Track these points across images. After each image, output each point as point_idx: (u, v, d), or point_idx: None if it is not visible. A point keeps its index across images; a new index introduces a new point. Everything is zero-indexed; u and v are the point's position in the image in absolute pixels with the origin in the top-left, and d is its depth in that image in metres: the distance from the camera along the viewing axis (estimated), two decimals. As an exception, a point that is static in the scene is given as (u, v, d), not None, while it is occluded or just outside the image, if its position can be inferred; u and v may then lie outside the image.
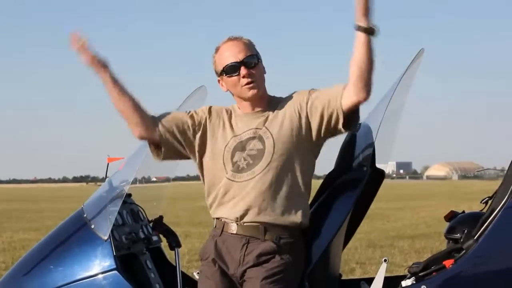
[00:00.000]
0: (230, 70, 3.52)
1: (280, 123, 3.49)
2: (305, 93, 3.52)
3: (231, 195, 3.50)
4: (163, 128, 3.60)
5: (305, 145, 3.49)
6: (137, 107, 3.60)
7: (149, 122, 3.60)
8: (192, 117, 3.63)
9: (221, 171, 3.53)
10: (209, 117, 3.63)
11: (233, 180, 3.49)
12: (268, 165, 3.44)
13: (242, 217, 3.46)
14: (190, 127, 3.61)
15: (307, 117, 3.48)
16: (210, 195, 3.59)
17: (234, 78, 3.52)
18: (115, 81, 3.58)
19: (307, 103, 3.48)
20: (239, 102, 3.61)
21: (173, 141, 3.61)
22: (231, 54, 3.53)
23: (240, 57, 3.51)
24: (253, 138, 3.50)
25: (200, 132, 3.61)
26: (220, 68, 3.56)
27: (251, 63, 3.52)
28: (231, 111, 3.64)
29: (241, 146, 3.50)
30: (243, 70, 3.50)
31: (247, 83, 3.51)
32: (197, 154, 3.61)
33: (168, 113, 3.66)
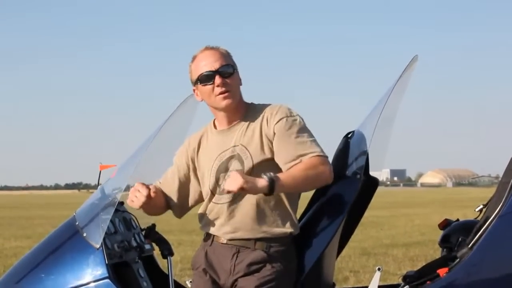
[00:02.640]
0: (205, 78, 3.53)
1: (257, 141, 3.49)
2: (274, 119, 3.50)
3: (215, 216, 3.55)
4: (183, 209, 3.81)
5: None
6: (161, 208, 3.78)
7: (166, 209, 3.82)
8: (182, 173, 3.75)
9: (207, 194, 3.59)
10: (190, 155, 3.72)
11: (215, 203, 3.55)
12: None
13: (231, 236, 3.49)
14: (187, 180, 3.75)
15: (271, 144, 3.51)
16: (199, 212, 3.66)
17: (209, 87, 3.53)
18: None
19: (273, 135, 3.48)
20: (214, 113, 3.63)
21: (194, 203, 3.79)
22: (207, 63, 3.53)
23: (215, 66, 3.52)
24: (232, 157, 3.52)
25: (193, 177, 3.73)
26: (195, 76, 3.58)
27: (226, 72, 3.52)
28: (207, 133, 3.69)
29: (223, 168, 3.54)
30: (217, 79, 3.50)
31: (221, 93, 3.51)
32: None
33: (171, 189, 3.77)
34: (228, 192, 3.32)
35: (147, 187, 3.54)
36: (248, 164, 3.46)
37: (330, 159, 3.99)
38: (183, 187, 3.73)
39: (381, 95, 4.02)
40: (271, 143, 3.48)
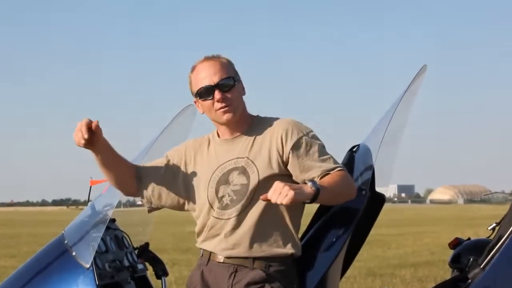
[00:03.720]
0: (204, 93, 3.52)
1: (264, 155, 3.49)
2: (291, 137, 3.48)
3: (216, 231, 3.52)
4: (152, 198, 3.71)
5: (288, 179, 3.47)
6: (122, 180, 3.69)
7: (136, 191, 3.73)
8: (170, 168, 3.69)
9: (205, 206, 3.56)
10: (185, 159, 3.68)
11: (217, 218, 3.51)
12: (253, 201, 3.45)
13: (228, 253, 3.48)
14: (172, 183, 3.67)
15: (285, 163, 3.49)
16: (197, 228, 3.62)
17: (208, 102, 3.52)
18: (104, 157, 3.58)
19: (289, 153, 3.47)
20: (216, 125, 3.64)
21: (164, 203, 3.72)
22: (206, 76, 3.52)
23: (214, 80, 3.50)
24: (235, 169, 3.51)
25: (180, 179, 3.66)
26: (195, 89, 3.57)
27: (226, 85, 3.51)
28: (209, 140, 3.67)
29: (224, 180, 3.52)
30: (217, 94, 3.49)
31: (221, 108, 3.51)
32: (186, 199, 3.67)
33: (151, 174, 3.70)
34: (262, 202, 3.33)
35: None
36: (254, 179, 3.45)
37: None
38: (165, 181, 3.67)
39: (388, 106, 4.03)
40: (281, 158, 3.47)
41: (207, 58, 3.59)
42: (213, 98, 3.50)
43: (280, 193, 3.15)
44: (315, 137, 3.52)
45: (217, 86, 3.49)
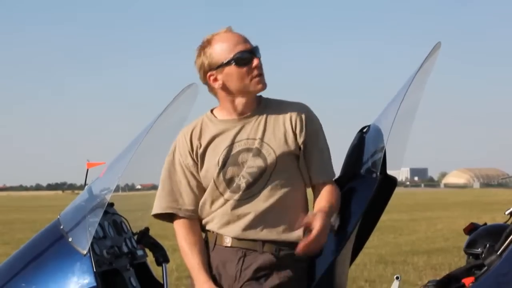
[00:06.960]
0: (243, 59, 3.47)
1: (280, 136, 3.51)
2: (306, 125, 3.55)
3: (225, 212, 3.51)
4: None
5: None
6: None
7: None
8: (191, 170, 3.62)
9: (213, 190, 3.54)
10: (195, 152, 3.61)
11: (228, 200, 3.51)
12: (269, 183, 3.48)
13: (238, 235, 3.49)
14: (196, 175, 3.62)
15: (298, 144, 3.55)
16: (202, 206, 3.60)
17: (244, 69, 3.48)
18: None
19: (302, 141, 3.55)
20: (229, 101, 3.57)
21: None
22: (239, 42, 3.50)
23: (248, 46, 3.50)
24: (247, 150, 3.51)
25: (197, 167, 3.61)
26: (224, 58, 3.48)
27: (259, 54, 3.52)
28: (207, 124, 3.62)
29: (234, 161, 3.51)
30: (255, 60, 3.48)
31: (258, 75, 3.49)
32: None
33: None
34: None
35: None
36: (271, 160, 3.47)
37: (343, 156, 4.01)
38: (197, 188, 3.63)
39: (400, 85, 4.02)
40: (296, 140, 3.52)
41: (231, 30, 3.56)
42: (250, 64, 3.48)
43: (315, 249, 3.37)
44: (323, 134, 3.63)
45: (256, 51, 3.49)
